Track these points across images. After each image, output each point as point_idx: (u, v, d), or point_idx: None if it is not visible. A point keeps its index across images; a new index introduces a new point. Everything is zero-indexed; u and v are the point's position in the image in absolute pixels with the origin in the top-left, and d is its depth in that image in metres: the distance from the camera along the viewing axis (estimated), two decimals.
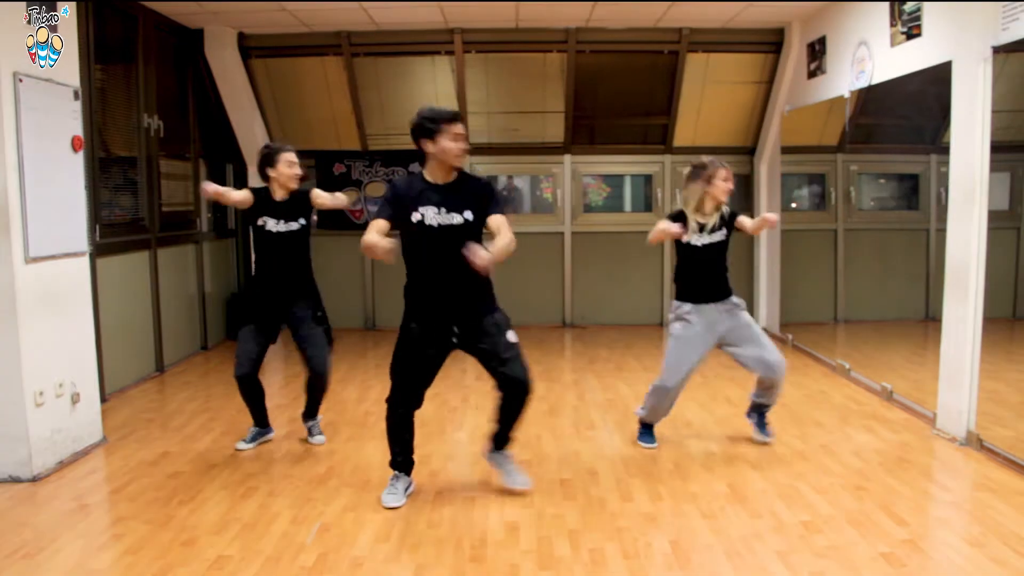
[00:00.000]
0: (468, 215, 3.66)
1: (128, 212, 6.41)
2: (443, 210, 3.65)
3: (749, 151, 8.51)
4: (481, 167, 8.62)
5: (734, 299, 4.51)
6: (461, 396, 5.92)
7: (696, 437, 4.85)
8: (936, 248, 6.22)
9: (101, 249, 5.72)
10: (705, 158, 4.49)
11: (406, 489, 3.96)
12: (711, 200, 4.41)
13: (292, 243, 4.56)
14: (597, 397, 5.81)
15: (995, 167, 4.48)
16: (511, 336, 3.82)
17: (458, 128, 3.65)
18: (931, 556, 3.27)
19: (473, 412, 5.50)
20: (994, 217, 4.56)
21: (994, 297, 4.65)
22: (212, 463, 4.48)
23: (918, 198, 7.53)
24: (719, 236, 4.44)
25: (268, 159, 4.50)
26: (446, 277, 3.70)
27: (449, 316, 3.78)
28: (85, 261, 4.81)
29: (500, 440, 4.03)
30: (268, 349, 4.75)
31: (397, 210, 3.68)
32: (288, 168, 4.48)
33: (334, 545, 3.43)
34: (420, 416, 5.36)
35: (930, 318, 5.49)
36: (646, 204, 8.81)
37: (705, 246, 4.43)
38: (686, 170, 4.57)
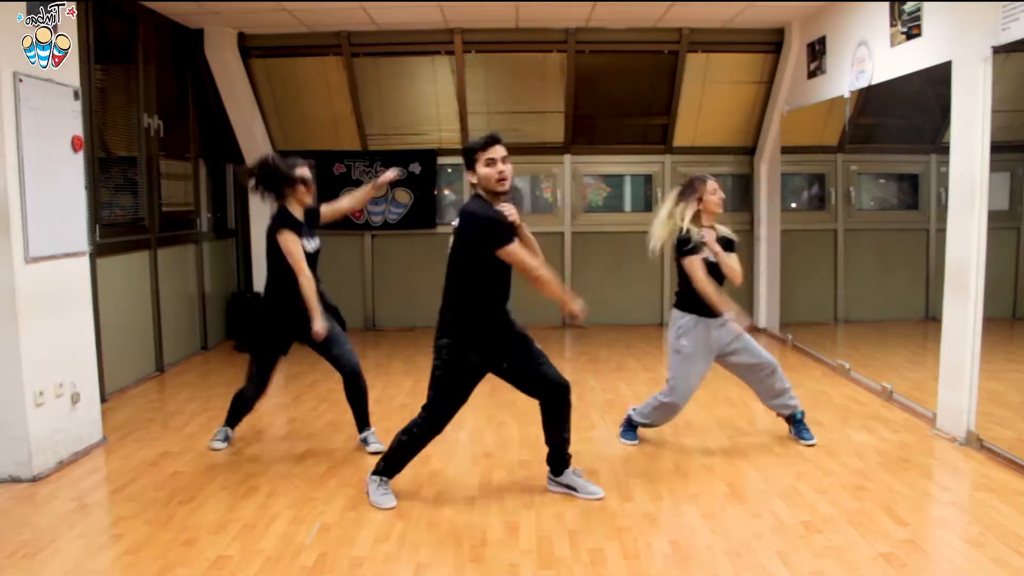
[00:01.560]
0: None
1: (128, 212, 6.41)
2: None
3: (749, 151, 8.51)
4: None
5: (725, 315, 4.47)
6: None
7: (696, 437, 4.85)
8: (936, 248, 6.22)
9: (101, 249, 5.72)
10: (692, 176, 4.53)
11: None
12: (707, 215, 4.44)
13: (318, 261, 4.53)
14: (597, 397, 5.81)
15: (995, 167, 4.48)
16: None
17: (491, 152, 3.60)
18: (931, 556, 3.27)
19: (472, 412, 5.49)
20: (994, 217, 4.55)
21: (994, 297, 4.65)
22: (212, 463, 4.48)
23: (918, 198, 7.53)
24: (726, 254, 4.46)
25: (289, 180, 4.41)
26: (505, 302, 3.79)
27: (506, 342, 3.81)
28: (85, 261, 4.81)
29: (561, 456, 3.99)
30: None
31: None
32: (307, 188, 4.46)
33: (334, 545, 3.43)
34: None
35: (930, 318, 5.50)
36: (646, 204, 8.81)
37: (712, 263, 4.41)
38: (673, 192, 4.58)
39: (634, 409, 4.79)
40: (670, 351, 4.54)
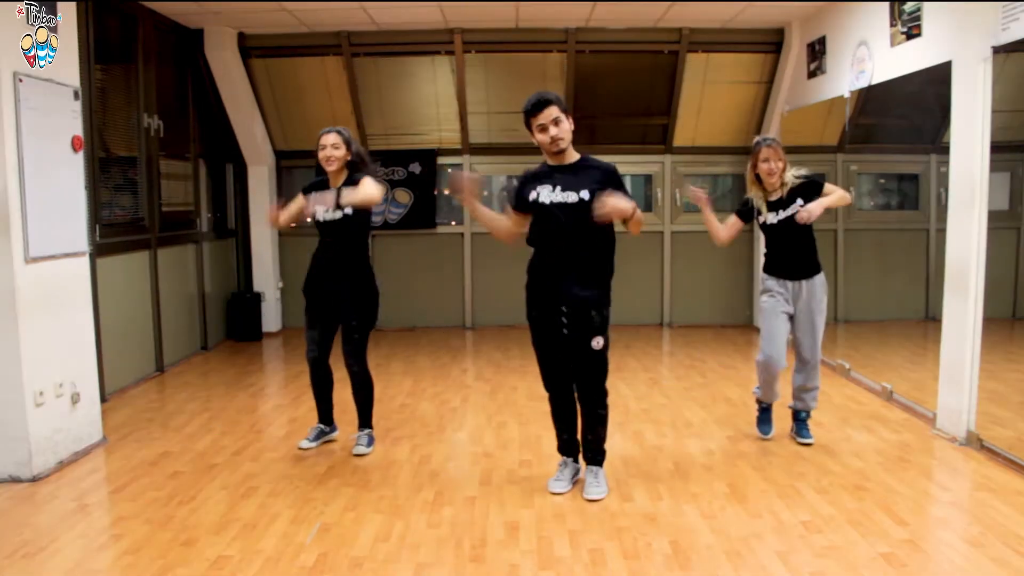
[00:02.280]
0: (584, 195, 3.67)
1: (128, 212, 6.41)
2: (558, 189, 3.71)
3: (749, 151, 8.49)
4: (481, 167, 8.63)
5: (817, 280, 4.54)
6: (462, 396, 5.92)
7: (696, 437, 4.85)
8: (936, 248, 6.21)
9: (101, 249, 5.72)
10: (757, 138, 4.66)
11: (573, 477, 4.06)
12: (766, 180, 4.54)
13: (338, 230, 4.49)
14: None
15: (995, 167, 4.48)
16: (596, 343, 3.80)
17: (539, 119, 3.66)
18: (931, 556, 3.27)
19: (473, 412, 5.50)
20: (994, 217, 4.56)
21: (994, 297, 4.65)
22: (212, 463, 4.48)
23: (918, 198, 7.53)
24: (793, 210, 4.46)
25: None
26: (561, 256, 3.77)
27: (558, 299, 3.79)
28: (85, 261, 4.81)
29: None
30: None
31: (520, 193, 3.83)
32: (320, 151, 4.46)
33: (334, 545, 3.43)
34: (420, 416, 5.41)
35: (930, 318, 5.49)
36: (646, 204, 8.81)
37: (780, 223, 4.51)
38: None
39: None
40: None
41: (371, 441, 4.68)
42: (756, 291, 8.18)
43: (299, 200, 4.47)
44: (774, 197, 4.53)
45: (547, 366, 3.94)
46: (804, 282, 4.53)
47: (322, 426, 4.79)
